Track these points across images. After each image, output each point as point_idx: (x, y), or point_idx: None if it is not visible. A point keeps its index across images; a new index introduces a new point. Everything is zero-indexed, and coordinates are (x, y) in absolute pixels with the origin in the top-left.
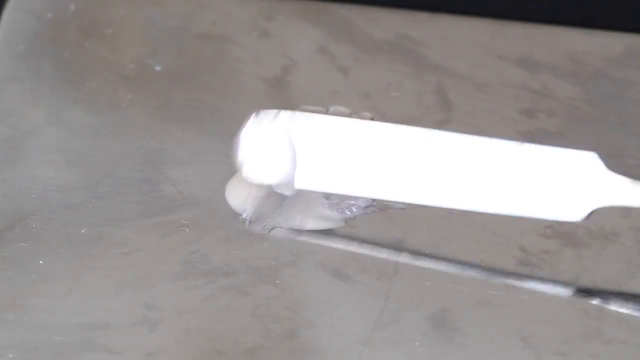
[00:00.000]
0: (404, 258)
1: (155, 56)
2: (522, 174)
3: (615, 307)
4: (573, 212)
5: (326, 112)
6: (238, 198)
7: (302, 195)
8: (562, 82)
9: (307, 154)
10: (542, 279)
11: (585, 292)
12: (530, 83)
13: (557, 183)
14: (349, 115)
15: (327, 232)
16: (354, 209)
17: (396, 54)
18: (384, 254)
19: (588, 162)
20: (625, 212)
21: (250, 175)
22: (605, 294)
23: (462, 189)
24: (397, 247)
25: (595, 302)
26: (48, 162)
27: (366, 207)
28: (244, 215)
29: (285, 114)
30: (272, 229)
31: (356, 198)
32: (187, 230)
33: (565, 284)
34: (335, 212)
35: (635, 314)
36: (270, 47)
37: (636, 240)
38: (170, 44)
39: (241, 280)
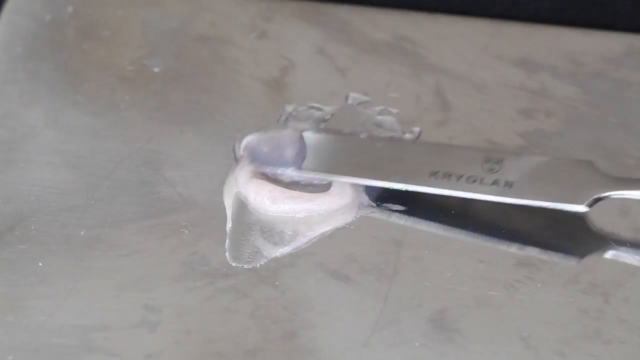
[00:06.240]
0: (404, 258)
1: (154, 58)
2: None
3: None
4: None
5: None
6: None
7: None
8: (560, 83)
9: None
10: (542, 279)
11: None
12: (529, 83)
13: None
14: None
15: (327, 233)
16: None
17: (394, 55)
18: (383, 254)
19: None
20: (625, 212)
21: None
22: None
23: None
24: (397, 247)
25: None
26: (47, 164)
27: (366, 207)
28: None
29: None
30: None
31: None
32: (186, 231)
33: (565, 284)
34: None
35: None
36: (269, 48)
37: (636, 240)
38: (169, 45)
39: (240, 282)
